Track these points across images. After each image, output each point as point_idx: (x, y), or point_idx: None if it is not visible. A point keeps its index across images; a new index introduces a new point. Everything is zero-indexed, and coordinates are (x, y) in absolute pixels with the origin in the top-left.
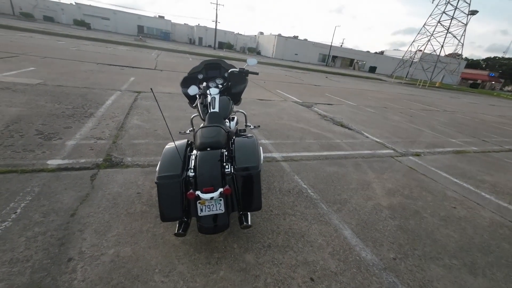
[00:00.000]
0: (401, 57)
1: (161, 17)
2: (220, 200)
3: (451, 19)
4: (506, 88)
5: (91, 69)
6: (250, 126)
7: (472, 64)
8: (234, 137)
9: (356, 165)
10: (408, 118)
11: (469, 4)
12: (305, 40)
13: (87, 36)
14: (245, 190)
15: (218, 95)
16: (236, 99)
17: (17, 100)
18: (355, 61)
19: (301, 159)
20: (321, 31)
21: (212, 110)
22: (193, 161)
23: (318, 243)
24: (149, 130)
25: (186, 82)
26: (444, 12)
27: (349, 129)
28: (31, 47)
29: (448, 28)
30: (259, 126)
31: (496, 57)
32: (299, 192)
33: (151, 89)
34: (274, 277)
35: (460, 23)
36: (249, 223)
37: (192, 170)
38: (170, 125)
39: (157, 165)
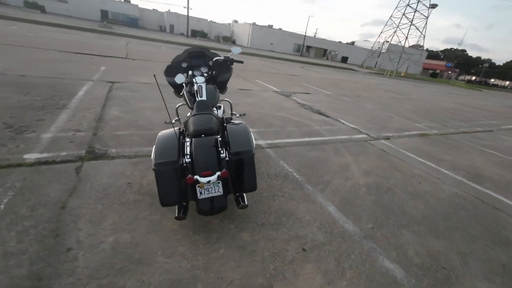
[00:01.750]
0: (369, 48)
1: (127, 1)
2: (218, 183)
3: (414, 12)
4: (460, 77)
5: (55, 58)
6: (236, 114)
7: (432, 55)
8: (225, 124)
9: (335, 149)
10: (379, 106)
11: None
12: (280, 29)
13: (44, 20)
14: (241, 172)
15: (205, 83)
16: (222, 88)
17: None
18: (328, 51)
19: (285, 145)
20: (295, 21)
21: (200, 99)
22: (188, 148)
23: (307, 219)
24: (131, 121)
25: (170, 71)
26: (408, 4)
27: (327, 116)
28: None
29: (412, 20)
30: (244, 114)
31: (452, 48)
32: (285, 175)
33: (154, 75)
34: (270, 250)
35: (422, 16)
36: (246, 203)
37: (188, 156)
38: (152, 116)
39: (145, 155)
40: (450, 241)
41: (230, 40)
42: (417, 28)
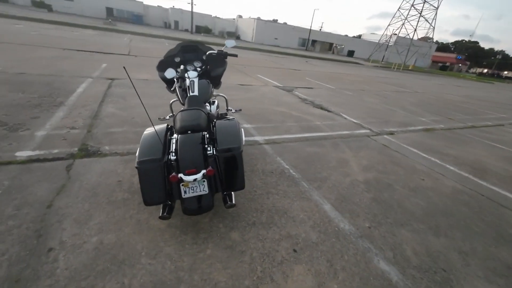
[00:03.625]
0: (377, 41)
1: None
2: (204, 181)
3: (424, 3)
4: (472, 70)
5: (56, 55)
6: (231, 110)
7: (442, 47)
8: (215, 120)
9: (335, 145)
10: (383, 99)
11: None
12: (285, 24)
13: (49, 19)
14: (228, 170)
15: (197, 78)
16: (216, 83)
17: None
18: (334, 45)
19: (283, 141)
20: (300, 15)
21: (191, 94)
22: (174, 145)
23: (300, 218)
24: (126, 118)
25: (162, 66)
26: None
27: (328, 111)
28: None
29: (421, 11)
30: (240, 110)
31: (463, 40)
32: (281, 172)
33: (124, 67)
34: (259, 251)
35: (431, 7)
36: (233, 202)
37: (173, 154)
38: (148, 112)
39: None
40: (451, 240)
41: (234, 35)
42: (427, 20)
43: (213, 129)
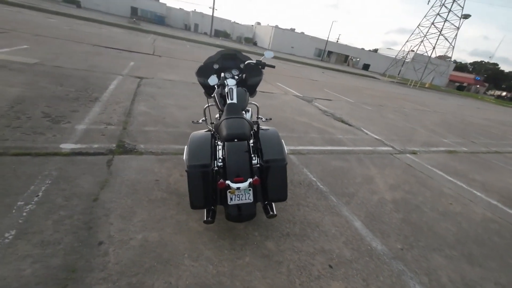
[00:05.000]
0: (393, 56)
1: (156, 0)
2: (249, 190)
3: (444, 21)
4: (490, 92)
5: (88, 51)
6: (262, 118)
7: (460, 67)
8: (255, 129)
9: (359, 160)
10: (403, 117)
11: (463, 8)
12: (302, 33)
13: (78, 15)
14: (272, 181)
15: (235, 86)
16: (251, 91)
17: (16, 80)
18: (350, 57)
19: (308, 152)
20: (317, 25)
21: (230, 101)
22: (219, 151)
23: (332, 233)
24: (158, 118)
25: (202, 72)
26: (438, 14)
27: (349, 125)
28: (21, 23)
29: (441, 30)
30: (270, 119)
31: (483, 61)
32: (309, 184)
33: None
34: (296, 263)
35: (452, 26)
36: (275, 212)
37: (220, 160)
38: (177, 113)
39: (171, 153)
40: (487, 270)
41: (251, 41)
42: (446, 39)
43: (256, 138)
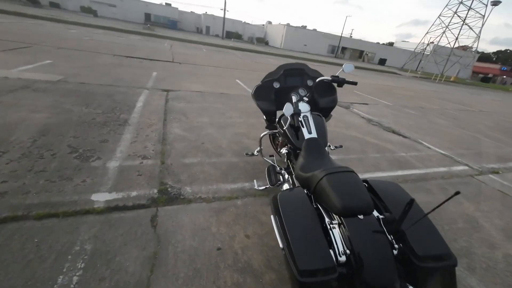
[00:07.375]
0: (412, 49)
1: (168, 5)
2: None
3: (468, 10)
4: None
5: (109, 62)
6: (330, 146)
7: (483, 57)
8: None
9: (443, 189)
10: (453, 121)
11: None
12: (314, 30)
13: (96, 24)
14: None
15: (310, 112)
16: (325, 116)
17: (40, 103)
18: (365, 52)
19: None
20: (327, 21)
21: (309, 136)
22: (338, 235)
23: None
24: (196, 143)
25: (260, 93)
26: (461, 2)
27: (404, 137)
28: (43, 36)
29: (465, 19)
30: (341, 147)
31: (508, 50)
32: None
33: None
34: None
35: (477, 14)
36: None
37: (342, 254)
38: (216, 135)
39: (223, 197)
40: None
41: (263, 41)
42: (471, 28)
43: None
